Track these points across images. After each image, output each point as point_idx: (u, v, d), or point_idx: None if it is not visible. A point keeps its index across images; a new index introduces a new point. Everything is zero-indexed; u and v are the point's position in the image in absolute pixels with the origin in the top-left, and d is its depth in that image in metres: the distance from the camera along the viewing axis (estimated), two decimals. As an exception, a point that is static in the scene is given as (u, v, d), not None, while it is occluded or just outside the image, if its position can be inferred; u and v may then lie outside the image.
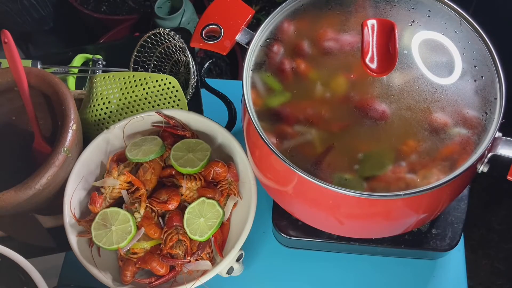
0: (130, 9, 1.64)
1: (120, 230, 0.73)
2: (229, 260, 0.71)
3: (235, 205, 0.77)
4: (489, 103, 0.62)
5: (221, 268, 0.72)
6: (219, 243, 0.75)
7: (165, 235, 0.73)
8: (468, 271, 0.83)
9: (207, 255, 0.74)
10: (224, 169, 0.77)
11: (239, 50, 1.51)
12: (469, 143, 0.61)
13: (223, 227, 0.76)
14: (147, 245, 0.74)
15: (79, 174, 0.77)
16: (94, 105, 0.86)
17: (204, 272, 0.72)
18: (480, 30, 0.66)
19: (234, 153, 0.79)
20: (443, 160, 0.60)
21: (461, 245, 0.82)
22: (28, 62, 0.95)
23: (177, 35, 0.92)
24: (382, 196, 0.59)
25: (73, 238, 0.74)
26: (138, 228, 0.74)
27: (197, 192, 0.76)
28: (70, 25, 1.65)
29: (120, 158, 0.80)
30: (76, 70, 0.98)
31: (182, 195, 0.75)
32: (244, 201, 0.77)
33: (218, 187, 0.77)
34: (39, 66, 0.96)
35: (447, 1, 0.68)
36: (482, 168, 0.63)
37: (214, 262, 0.73)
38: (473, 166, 0.60)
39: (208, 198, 0.74)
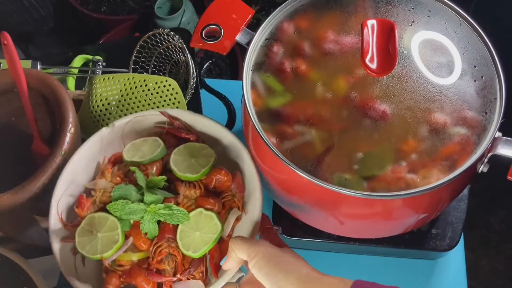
0: (130, 9, 1.65)
1: (106, 238, 0.66)
2: (225, 282, 0.63)
3: (238, 219, 0.68)
4: (489, 103, 0.62)
5: None
6: (215, 261, 0.66)
7: (155, 247, 0.65)
8: (468, 271, 0.83)
9: (200, 274, 0.65)
10: (228, 178, 0.69)
11: (239, 50, 1.51)
12: (469, 143, 0.60)
13: (222, 244, 0.67)
14: (134, 257, 0.66)
15: (71, 174, 0.70)
16: (93, 107, 0.86)
17: None
18: (480, 30, 0.66)
19: (241, 162, 0.71)
20: (443, 160, 0.60)
21: (461, 245, 0.82)
22: (28, 63, 0.95)
23: (177, 36, 0.92)
24: (382, 196, 0.59)
25: (56, 244, 0.67)
26: (126, 237, 0.66)
27: (196, 202, 0.68)
28: (70, 25, 1.65)
29: (117, 160, 0.74)
30: (76, 71, 0.98)
31: (178, 203, 0.67)
32: (249, 216, 0.68)
33: (220, 198, 0.69)
34: (39, 67, 0.96)
35: (447, 1, 0.68)
36: (482, 168, 0.63)
37: (208, 283, 0.65)
38: (473, 166, 0.60)
39: (207, 209, 0.66)
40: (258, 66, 0.67)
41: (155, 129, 0.75)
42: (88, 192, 0.71)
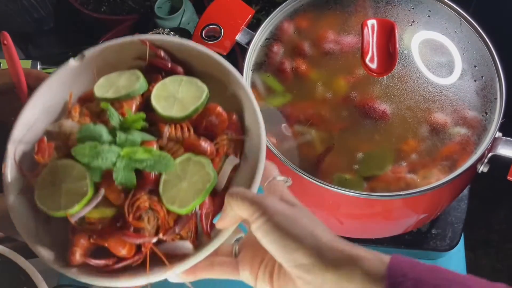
0: (130, 9, 1.64)
1: (72, 191, 0.53)
2: (219, 244, 0.51)
3: (235, 168, 0.55)
4: (489, 103, 0.62)
5: (206, 255, 0.51)
6: (208, 218, 0.53)
7: (131, 200, 0.52)
8: (468, 271, 0.83)
9: (189, 234, 0.53)
10: (223, 118, 0.56)
11: (239, 50, 1.51)
12: (469, 143, 0.60)
13: (216, 198, 0.54)
14: (106, 213, 0.54)
15: (32, 115, 0.59)
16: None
17: (183, 257, 0.51)
18: (480, 30, 0.66)
19: (240, 98, 0.57)
20: (443, 160, 0.60)
21: (461, 245, 0.82)
22: (27, 63, 0.95)
23: (177, 36, 0.92)
24: (382, 196, 0.59)
25: (11, 197, 0.55)
26: (96, 189, 0.53)
27: (183, 146, 0.55)
28: (70, 25, 1.65)
29: (88, 98, 0.61)
30: (75, 71, 0.98)
31: (162, 148, 0.55)
32: (249, 164, 0.54)
33: (214, 143, 0.56)
34: (38, 67, 0.96)
35: (447, 1, 0.68)
36: (482, 168, 0.63)
37: (198, 245, 0.52)
38: (473, 166, 0.60)
39: (197, 154, 0.53)
40: (258, 66, 0.67)
41: (135, 63, 0.61)
42: (51, 136, 0.58)
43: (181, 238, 0.53)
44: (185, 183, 0.53)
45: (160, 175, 0.54)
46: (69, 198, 0.53)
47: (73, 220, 0.53)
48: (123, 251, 0.52)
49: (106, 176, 0.53)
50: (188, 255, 0.51)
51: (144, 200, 0.52)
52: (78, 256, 0.53)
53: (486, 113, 0.62)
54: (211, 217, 0.53)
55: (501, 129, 0.61)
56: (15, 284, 0.68)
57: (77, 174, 0.54)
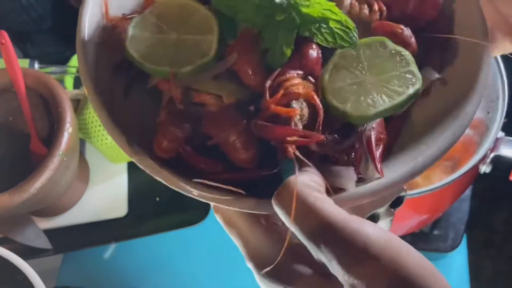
0: (130, 9, 1.64)
1: (188, 44, 0.35)
2: (398, 185, 0.32)
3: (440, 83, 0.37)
4: (491, 102, 0.61)
5: (373, 197, 0.32)
6: (379, 147, 0.34)
7: (277, 79, 0.34)
8: (470, 272, 0.83)
9: (351, 160, 0.34)
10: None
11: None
12: (471, 143, 0.60)
13: (392, 121, 0.36)
14: (230, 91, 0.35)
15: None
16: (92, 106, 0.85)
17: (338, 191, 0.32)
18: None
19: None
20: (445, 161, 0.59)
21: (463, 246, 0.82)
22: (25, 62, 0.94)
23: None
24: (383, 197, 0.58)
25: (86, 43, 0.36)
26: (224, 53, 0.35)
27: (375, 25, 0.37)
28: (68, 24, 1.64)
29: None
30: (74, 70, 0.98)
31: (346, 11, 0.37)
32: (457, 80, 0.36)
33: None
34: (36, 66, 0.95)
35: None
36: (485, 168, 0.62)
37: (363, 175, 0.33)
38: (476, 167, 0.59)
39: (395, 42, 0.35)
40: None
41: None
42: None
43: (336, 159, 0.34)
44: (370, 78, 0.35)
45: (323, 54, 0.35)
46: (187, 54, 0.35)
47: (177, 88, 0.35)
48: (243, 155, 0.34)
49: (244, 37, 0.35)
50: (346, 190, 0.32)
51: (297, 83, 0.33)
52: (165, 145, 0.35)
53: (488, 112, 0.61)
54: (382, 147, 0.35)
55: (504, 129, 0.60)
56: (13, 286, 0.68)
57: (200, 23, 0.36)
